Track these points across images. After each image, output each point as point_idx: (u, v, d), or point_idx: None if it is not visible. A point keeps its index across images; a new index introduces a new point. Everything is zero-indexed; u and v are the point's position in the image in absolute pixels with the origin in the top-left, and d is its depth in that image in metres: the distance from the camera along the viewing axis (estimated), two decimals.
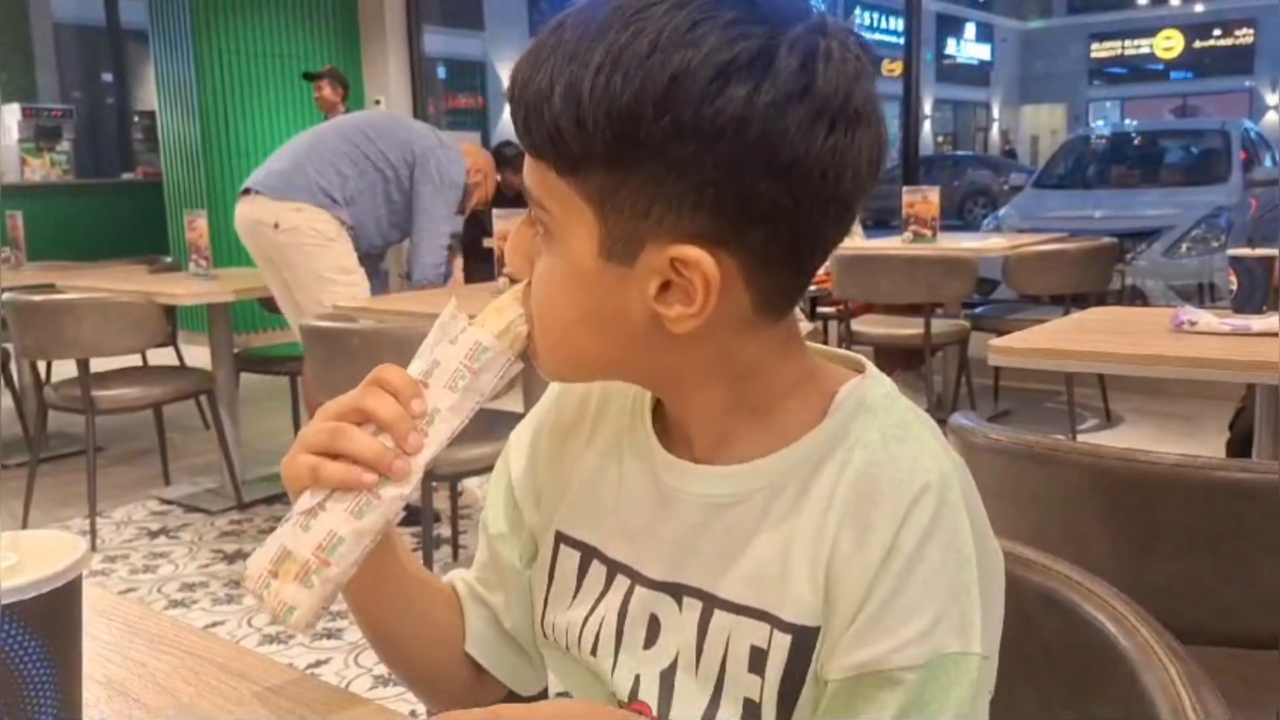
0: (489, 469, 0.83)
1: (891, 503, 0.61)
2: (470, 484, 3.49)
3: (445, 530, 3.22)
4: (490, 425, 2.84)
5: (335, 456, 0.63)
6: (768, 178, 0.56)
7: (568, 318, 0.63)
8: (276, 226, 3.35)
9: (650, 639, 0.69)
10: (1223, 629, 1.20)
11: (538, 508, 0.77)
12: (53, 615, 0.57)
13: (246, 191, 3.45)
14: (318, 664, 2.45)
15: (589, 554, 0.73)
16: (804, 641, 0.63)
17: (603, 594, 0.72)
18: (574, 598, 0.73)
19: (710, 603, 0.66)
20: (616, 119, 0.56)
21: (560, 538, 0.75)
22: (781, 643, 0.63)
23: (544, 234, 0.63)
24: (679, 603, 0.67)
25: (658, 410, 0.72)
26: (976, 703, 0.61)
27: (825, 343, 0.75)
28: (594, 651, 0.71)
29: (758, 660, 0.64)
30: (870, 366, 0.68)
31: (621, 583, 0.71)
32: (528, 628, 0.78)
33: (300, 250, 3.34)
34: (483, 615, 0.79)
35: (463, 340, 0.63)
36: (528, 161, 0.62)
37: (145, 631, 0.80)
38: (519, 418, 0.83)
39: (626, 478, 0.72)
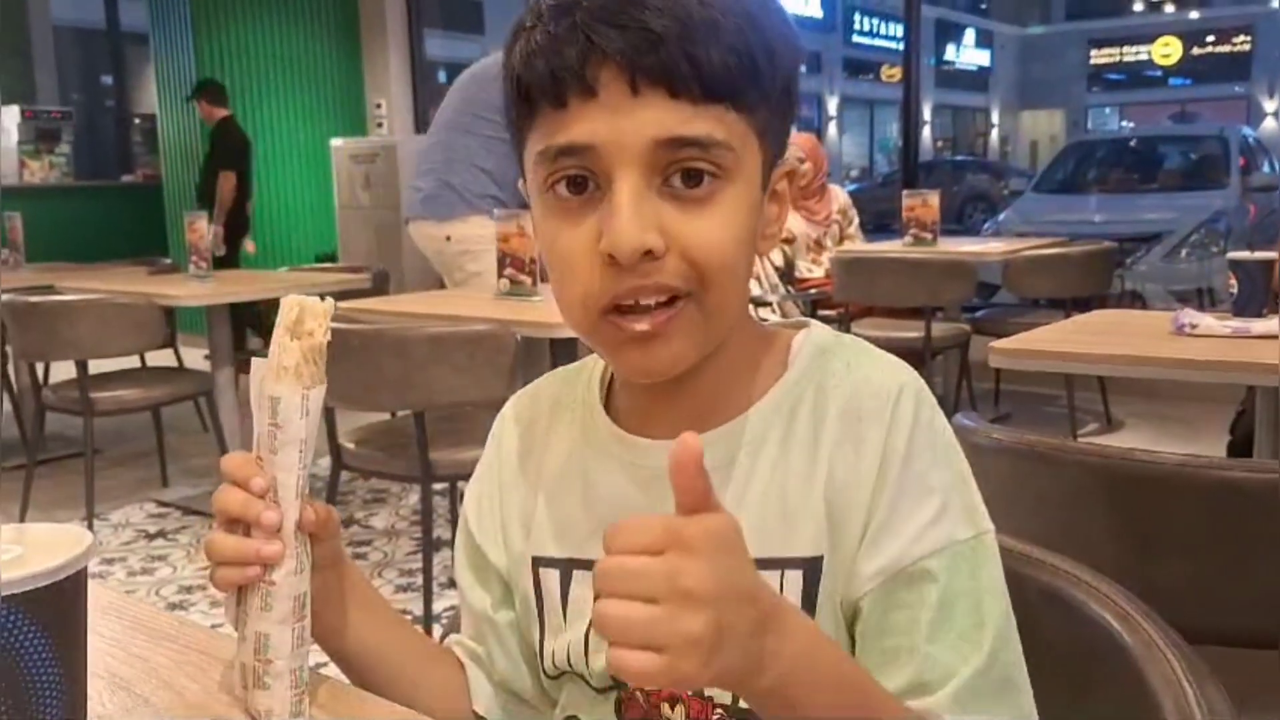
0: None
1: (875, 413, 0.65)
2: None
3: (446, 533, 3.21)
4: (488, 428, 2.84)
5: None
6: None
7: (748, 258, 0.66)
8: (449, 239, 3.49)
9: None
10: (1225, 629, 1.20)
11: (505, 548, 0.77)
12: (57, 607, 0.57)
13: (408, 220, 3.62)
14: (325, 662, 2.45)
15: (568, 567, 0.73)
16: (812, 573, 0.65)
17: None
18: (565, 618, 0.73)
19: None
20: (793, 59, 0.66)
21: (537, 562, 0.75)
22: (794, 580, 0.65)
23: (711, 180, 0.62)
24: None
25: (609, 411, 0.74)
26: (1000, 575, 0.65)
27: None
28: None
29: None
30: (812, 320, 0.74)
31: None
32: (514, 674, 0.78)
33: (472, 257, 3.46)
34: (480, 672, 0.79)
35: (261, 401, 0.62)
36: (695, 110, 0.61)
37: (149, 628, 0.79)
38: None
39: (592, 480, 0.72)
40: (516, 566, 0.76)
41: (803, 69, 0.70)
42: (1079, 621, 0.75)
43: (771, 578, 0.65)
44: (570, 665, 0.73)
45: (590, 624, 0.70)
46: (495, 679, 0.79)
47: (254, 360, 0.62)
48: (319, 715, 0.66)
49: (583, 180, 0.63)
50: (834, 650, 0.60)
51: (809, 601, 0.65)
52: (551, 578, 0.73)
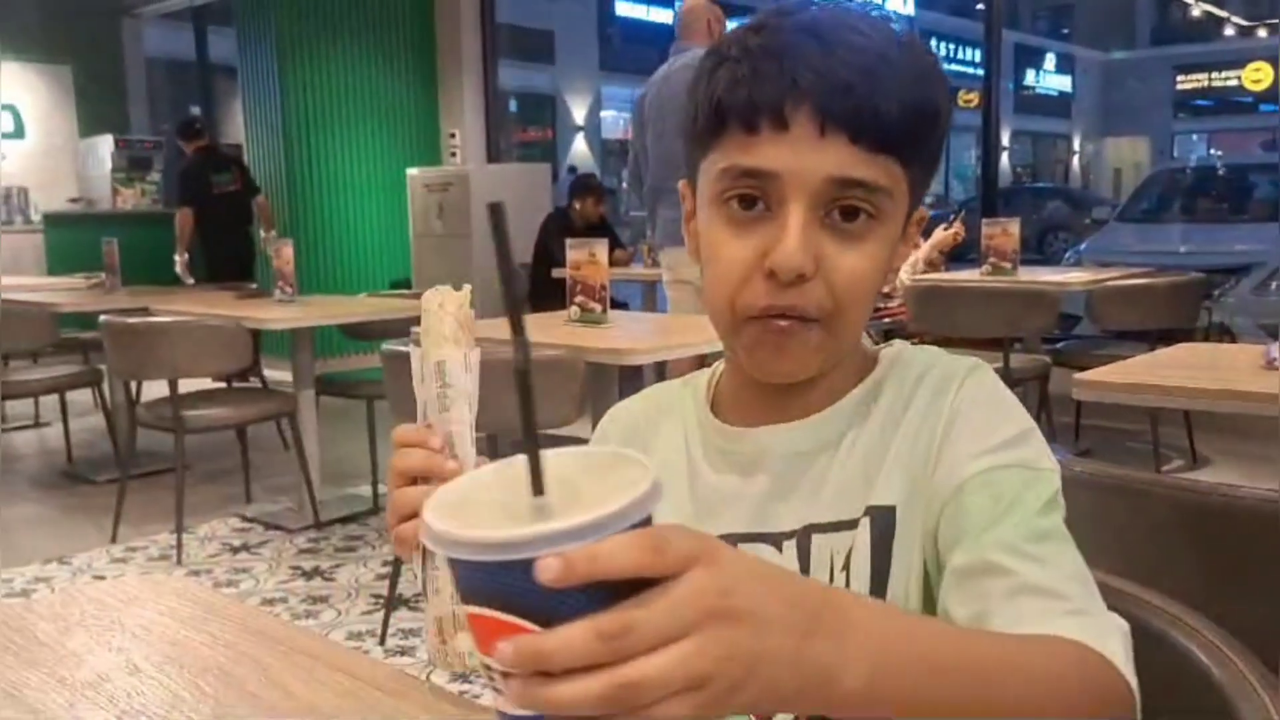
0: None
1: (945, 385, 0.73)
2: None
3: None
4: None
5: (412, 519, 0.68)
6: None
7: (877, 286, 0.73)
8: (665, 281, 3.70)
9: None
10: None
11: None
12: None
13: (661, 247, 3.82)
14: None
15: None
16: (882, 520, 0.71)
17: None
18: None
19: (807, 532, 0.73)
20: (945, 126, 0.73)
21: None
22: (864, 528, 0.71)
23: (866, 219, 0.70)
24: (778, 546, 0.74)
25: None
26: (1057, 514, 0.68)
27: None
28: None
29: (846, 558, 0.71)
30: (897, 340, 0.81)
31: None
32: None
33: (675, 304, 3.63)
34: None
35: (426, 372, 0.68)
36: (868, 156, 0.68)
37: (256, 629, 0.83)
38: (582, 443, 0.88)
39: (698, 471, 0.79)
40: None
41: None
42: (1167, 655, 0.74)
43: (846, 537, 0.72)
44: None
45: None
46: None
47: (411, 348, 0.69)
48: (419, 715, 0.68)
49: (753, 199, 0.70)
50: (925, 630, 0.56)
51: (881, 548, 0.71)
52: None
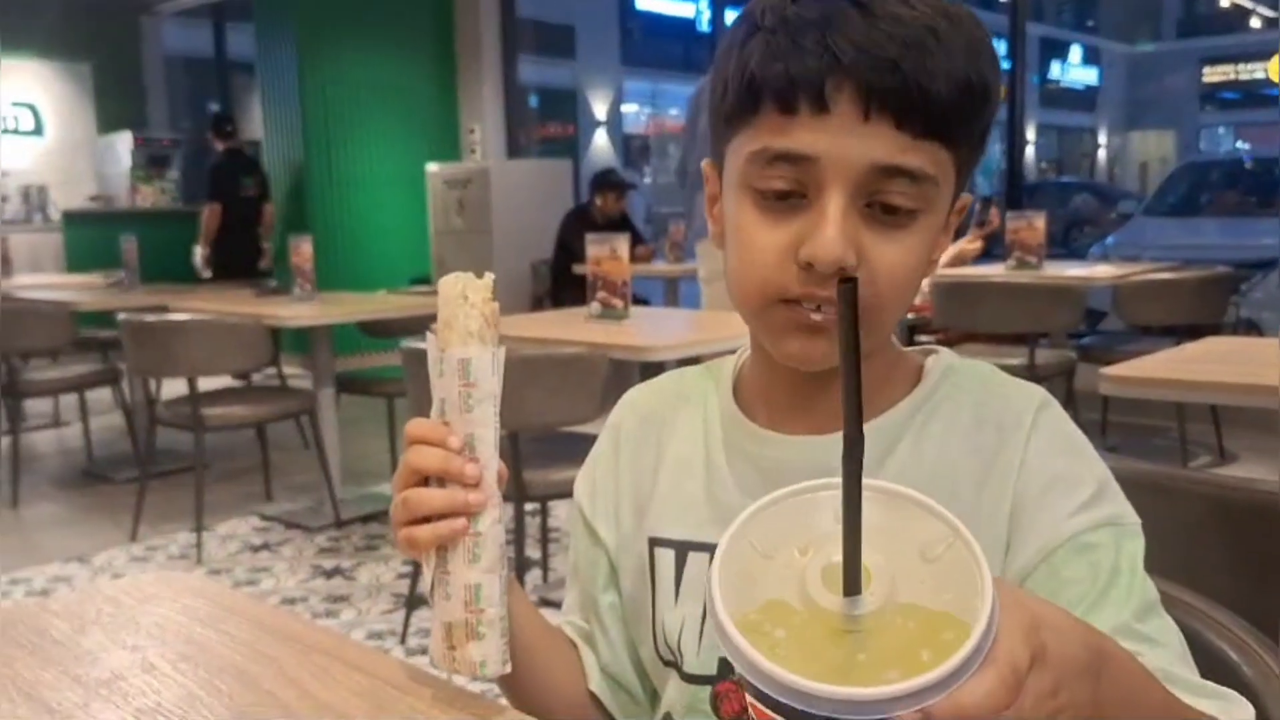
0: None
1: (1014, 423, 0.69)
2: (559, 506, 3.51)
3: (535, 553, 3.24)
4: (580, 449, 2.86)
5: (424, 521, 0.65)
6: None
7: (918, 279, 0.69)
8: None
9: None
10: None
11: (616, 526, 0.80)
12: None
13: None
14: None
15: (683, 548, 0.75)
16: None
17: None
18: (676, 597, 0.75)
19: None
20: (995, 104, 0.67)
21: (654, 542, 0.77)
22: None
23: (912, 210, 0.65)
24: None
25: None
26: (1147, 575, 0.68)
27: None
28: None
29: None
30: (941, 348, 0.77)
31: None
32: (614, 659, 0.80)
33: (710, 299, 3.65)
34: (590, 650, 0.82)
35: (447, 367, 0.64)
36: (913, 143, 0.63)
37: (273, 628, 0.82)
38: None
39: (717, 467, 0.75)
40: (626, 545, 0.79)
41: None
42: (1197, 652, 0.72)
43: None
44: (677, 647, 0.74)
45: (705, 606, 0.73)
46: (601, 660, 0.81)
47: (428, 334, 0.66)
48: (437, 715, 0.67)
49: (786, 191, 0.65)
50: (1138, 662, 0.57)
51: None
52: (666, 557, 0.76)
